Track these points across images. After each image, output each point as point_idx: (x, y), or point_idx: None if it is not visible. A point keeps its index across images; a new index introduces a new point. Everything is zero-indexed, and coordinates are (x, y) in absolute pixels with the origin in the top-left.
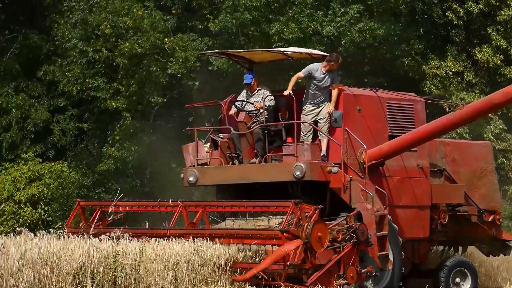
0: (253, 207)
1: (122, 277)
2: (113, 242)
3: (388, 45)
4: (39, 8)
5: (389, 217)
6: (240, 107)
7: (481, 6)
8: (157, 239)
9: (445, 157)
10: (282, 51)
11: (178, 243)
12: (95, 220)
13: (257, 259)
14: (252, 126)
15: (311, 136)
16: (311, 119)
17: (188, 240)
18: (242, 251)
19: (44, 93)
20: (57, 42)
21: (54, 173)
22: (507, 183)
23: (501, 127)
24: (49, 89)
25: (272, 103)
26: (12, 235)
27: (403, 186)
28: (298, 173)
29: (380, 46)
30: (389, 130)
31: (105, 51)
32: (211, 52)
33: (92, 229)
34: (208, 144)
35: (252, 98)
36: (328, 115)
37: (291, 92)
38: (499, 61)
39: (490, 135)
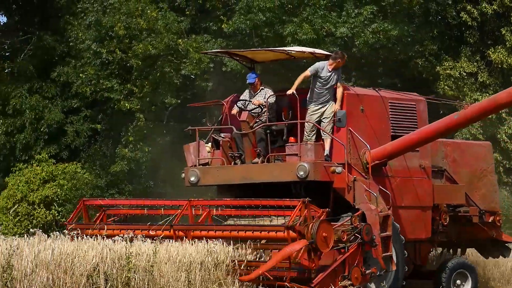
0: (260, 205)
1: (135, 278)
2: (126, 243)
3: (401, 46)
4: (53, 10)
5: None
6: (243, 106)
7: (495, 7)
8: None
9: (446, 157)
10: (285, 51)
11: (192, 244)
12: (98, 220)
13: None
14: (254, 125)
15: (315, 136)
16: (316, 119)
17: (201, 241)
18: (253, 253)
19: (58, 94)
20: (71, 44)
21: (68, 174)
22: None
23: None
24: (63, 90)
25: (272, 100)
26: (26, 236)
27: (405, 186)
28: (301, 173)
29: (393, 47)
30: (392, 130)
31: (119, 52)
32: (213, 52)
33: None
34: (210, 143)
35: (255, 98)
36: (332, 114)
37: (294, 92)
38: None
39: (504, 136)
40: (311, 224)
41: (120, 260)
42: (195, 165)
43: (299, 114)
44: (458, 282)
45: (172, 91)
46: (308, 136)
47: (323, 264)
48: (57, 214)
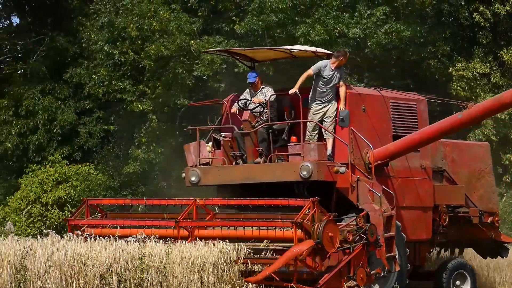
0: (265, 205)
1: (148, 279)
2: (139, 244)
3: (414, 47)
4: (65, 11)
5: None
6: (244, 106)
7: (508, 7)
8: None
9: (445, 157)
10: (287, 49)
11: (205, 245)
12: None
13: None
14: (256, 125)
15: (317, 135)
16: (318, 118)
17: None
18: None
19: (70, 96)
20: (83, 45)
21: (81, 175)
22: None
23: None
24: (76, 92)
25: (272, 98)
26: (39, 237)
27: (407, 186)
28: (304, 173)
29: (406, 48)
30: (393, 130)
31: (131, 53)
32: (214, 50)
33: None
34: (210, 143)
35: (256, 97)
36: (335, 114)
37: (297, 91)
38: None
39: None
40: (317, 224)
41: (133, 261)
42: (196, 165)
43: (301, 114)
44: (458, 282)
45: (185, 92)
46: (310, 135)
47: (328, 265)
48: (70, 215)
